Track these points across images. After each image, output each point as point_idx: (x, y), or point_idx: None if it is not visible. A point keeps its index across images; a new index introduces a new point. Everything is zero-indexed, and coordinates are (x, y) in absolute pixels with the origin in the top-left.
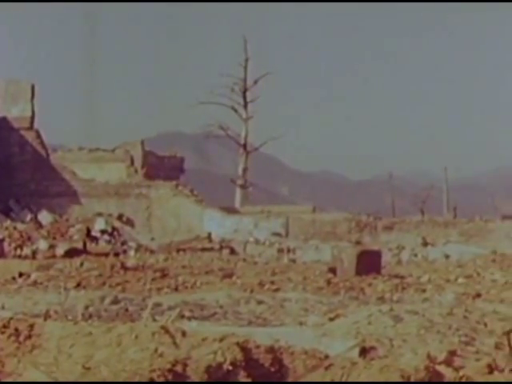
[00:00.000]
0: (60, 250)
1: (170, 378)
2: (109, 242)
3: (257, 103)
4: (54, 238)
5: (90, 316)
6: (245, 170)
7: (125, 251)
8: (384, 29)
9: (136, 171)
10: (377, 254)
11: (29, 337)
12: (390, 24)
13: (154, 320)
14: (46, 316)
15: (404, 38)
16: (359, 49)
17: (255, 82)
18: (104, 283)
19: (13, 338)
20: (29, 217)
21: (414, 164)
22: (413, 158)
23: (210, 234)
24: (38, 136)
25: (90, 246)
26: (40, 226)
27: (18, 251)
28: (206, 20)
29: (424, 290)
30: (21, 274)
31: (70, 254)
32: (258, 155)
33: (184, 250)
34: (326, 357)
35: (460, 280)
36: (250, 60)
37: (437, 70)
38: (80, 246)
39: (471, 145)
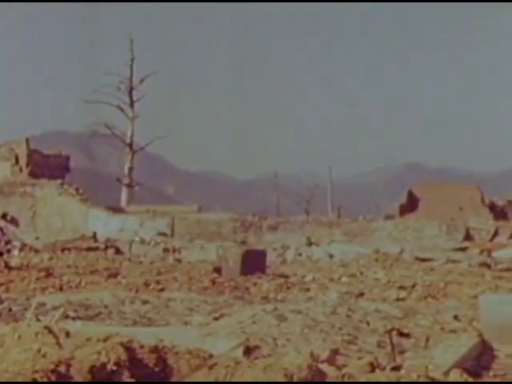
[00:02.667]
0: None
1: (53, 378)
2: None
3: (143, 102)
4: None
5: None
6: (131, 169)
7: (9, 250)
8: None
9: (21, 170)
10: (262, 254)
11: None
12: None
13: (38, 320)
14: None
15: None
16: (252, 48)
17: (141, 81)
18: None
19: None
20: None
21: (301, 163)
22: (299, 157)
23: (95, 234)
24: None
25: None
26: None
27: None
28: (93, 18)
29: (308, 290)
30: None
31: None
32: (144, 154)
33: (69, 250)
34: (210, 356)
35: (343, 279)
36: (135, 59)
37: (325, 72)
38: None
39: (356, 144)
